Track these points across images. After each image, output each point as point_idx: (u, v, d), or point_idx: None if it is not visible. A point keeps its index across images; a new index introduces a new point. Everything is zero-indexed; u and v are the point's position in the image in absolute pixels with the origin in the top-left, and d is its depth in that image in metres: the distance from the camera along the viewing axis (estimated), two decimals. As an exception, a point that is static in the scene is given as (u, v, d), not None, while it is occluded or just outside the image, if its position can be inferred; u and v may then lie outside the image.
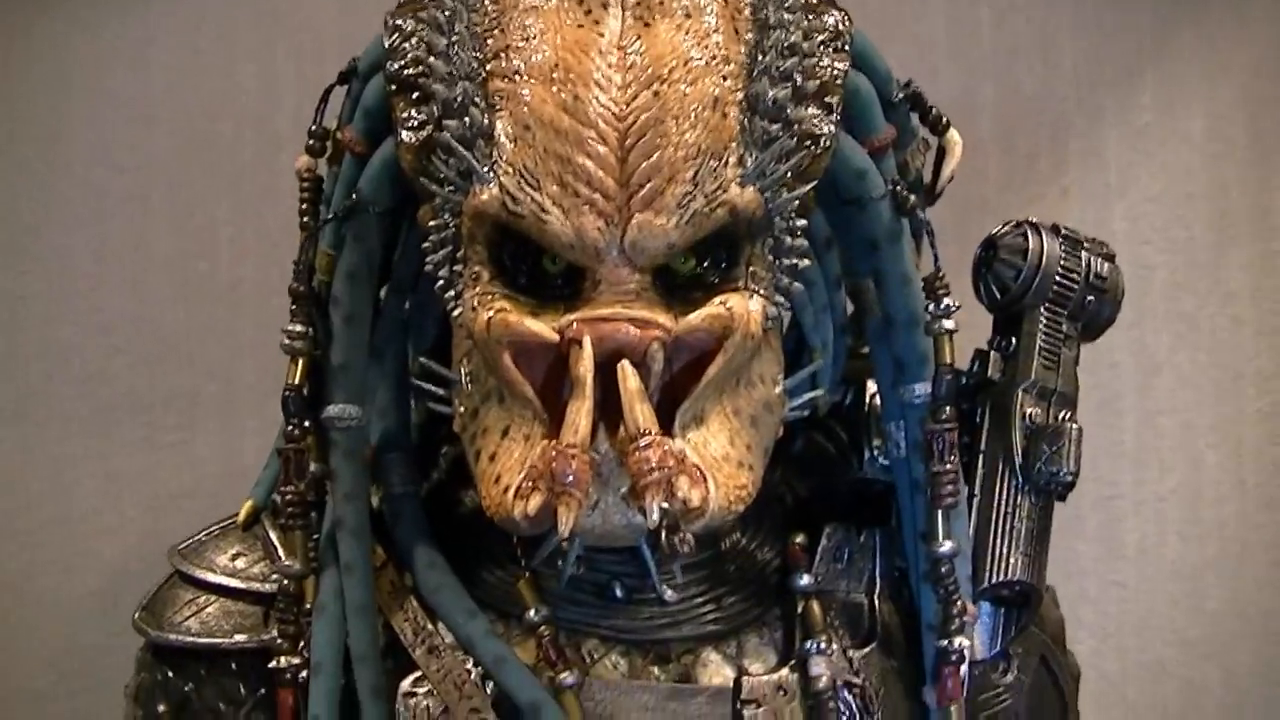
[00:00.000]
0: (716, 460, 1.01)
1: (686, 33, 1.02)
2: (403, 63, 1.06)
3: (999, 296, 1.23)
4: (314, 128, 1.16)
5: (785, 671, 1.12)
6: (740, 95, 1.02)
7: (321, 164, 1.17)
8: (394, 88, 1.06)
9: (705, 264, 1.04)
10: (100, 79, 1.89)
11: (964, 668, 1.13)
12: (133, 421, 1.88)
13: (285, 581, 1.11)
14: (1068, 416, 1.20)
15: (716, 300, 1.01)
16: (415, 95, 1.05)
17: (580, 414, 0.97)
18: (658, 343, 0.99)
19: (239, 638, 1.13)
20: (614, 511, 0.99)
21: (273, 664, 1.10)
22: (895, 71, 1.16)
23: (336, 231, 1.12)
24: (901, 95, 1.16)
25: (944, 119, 1.18)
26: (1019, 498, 1.18)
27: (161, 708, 1.13)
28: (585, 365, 0.97)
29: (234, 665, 1.13)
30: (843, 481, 1.22)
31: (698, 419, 1.02)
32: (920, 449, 1.12)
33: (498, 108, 1.01)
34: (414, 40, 1.06)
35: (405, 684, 1.09)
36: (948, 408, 1.11)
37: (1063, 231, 1.23)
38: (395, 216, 1.11)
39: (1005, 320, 1.24)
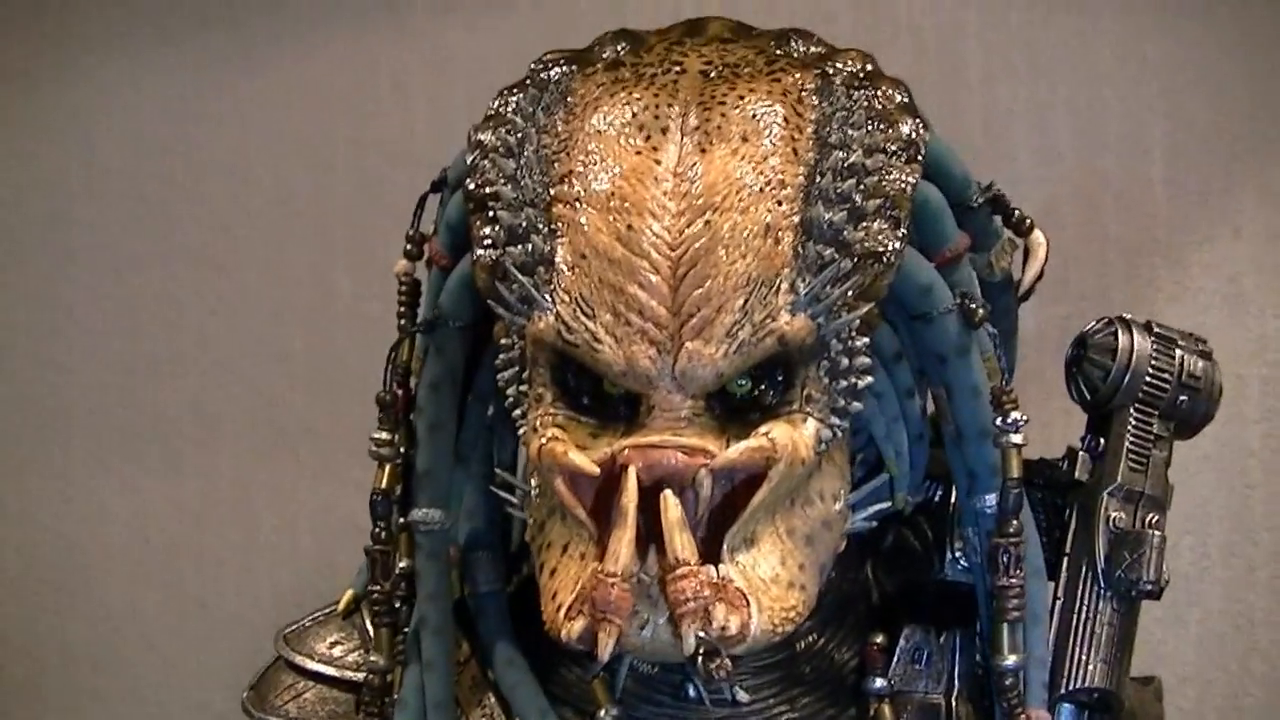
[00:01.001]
0: (764, 583, 1.02)
1: (742, 158, 1.03)
2: (478, 182, 1.09)
3: (1089, 397, 1.21)
4: (411, 232, 1.21)
5: None
6: (796, 220, 1.03)
7: (420, 268, 1.21)
8: (471, 206, 1.09)
9: (762, 387, 1.04)
10: (280, 121, 1.96)
11: None
12: (311, 455, 1.95)
13: (371, 676, 1.16)
14: (1154, 521, 1.18)
15: (762, 430, 1.02)
16: (488, 215, 1.07)
17: (621, 544, 0.99)
18: (705, 470, 1.01)
19: None
20: (663, 631, 1.01)
21: None
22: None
23: (423, 341, 1.16)
24: (981, 199, 1.14)
25: (1027, 220, 1.17)
26: (1099, 603, 1.17)
27: None
28: (629, 495, 0.99)
29: None
30: (926, 580, 1.22)
31: (748, 541, 1.03)
32: (987, 560, 1.12)
33: (559, 234, 1.04)
34: (489, 160, 1.09)
35: None
36: (1014, 521, 1.10)
37: (1155, 329, 1.21)
38: (476, 329, 1.14)
39: (1097, 419, 1.22)
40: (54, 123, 2.02)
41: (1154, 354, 1.20)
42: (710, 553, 1.02)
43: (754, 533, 1.04)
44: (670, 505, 0.99)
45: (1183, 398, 1.20)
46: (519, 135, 1.08)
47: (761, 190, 1.02)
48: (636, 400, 1.04)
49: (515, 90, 1.13)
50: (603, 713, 1.13)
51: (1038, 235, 1.18)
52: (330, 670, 1.21)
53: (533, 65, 1.13)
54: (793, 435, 1.02)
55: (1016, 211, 1.17)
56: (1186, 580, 1.88)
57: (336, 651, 1.22)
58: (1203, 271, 1.89)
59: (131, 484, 2.01)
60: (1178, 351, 1.21)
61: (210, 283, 1.99)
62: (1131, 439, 1.19)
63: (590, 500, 1.04)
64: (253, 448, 2.00)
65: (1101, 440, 1.21)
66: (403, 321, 1.19)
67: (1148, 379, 1.19)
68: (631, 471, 1.00)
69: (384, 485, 1.17)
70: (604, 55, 1.13)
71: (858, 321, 1.05)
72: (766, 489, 1.02)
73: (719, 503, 1.03)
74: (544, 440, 1.03)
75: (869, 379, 1.07)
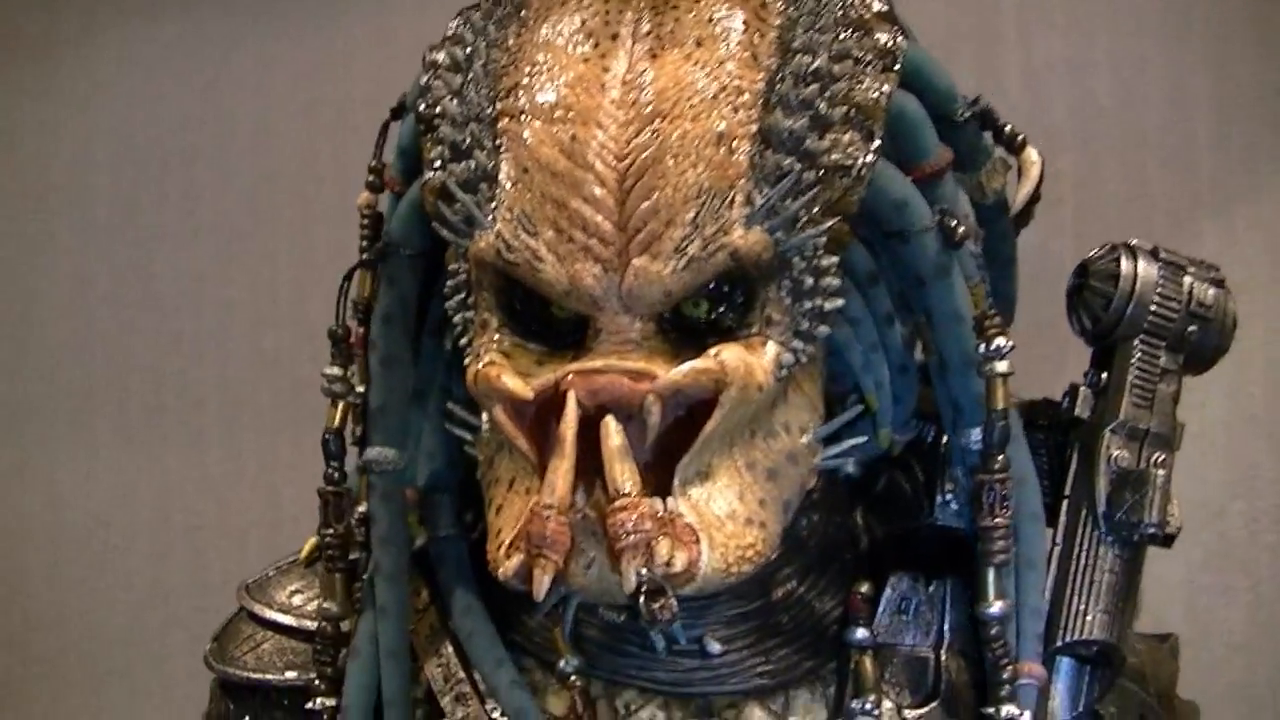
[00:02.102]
0: (718, 519, 0.93)
1: (696, 63, 0.94)
2: (429, 101, 1.02)
3: (1091, 328, 1.10)
4: (373, 163, 1.12)
5: None
6: (753, 128, 0.94)
7: (385, 200, 1.13)
8: (422, 127, 1.02)
9: (719, 307, 0.95)
10: (303, 90, 1.90)
11: None
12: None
13: (324, 624, 1.09)
14: (1160, 460, 1.07)
15: (711, 352, 0.92)
16: (436, 136, 1.00)
17: (558, 474, 0.90)
18: (653, 396, 0.91)
19: (289, 675, 1.11)
20: (605, 569, 0.92)
21: (309, 705, 1.08)
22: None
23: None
24: (968, 113, 1.04)
25: (1019, 136, 1.07)
26: (1100, 549, 1.07)
27: None
28: (567, 422, 0.91)
29: (285, 701, 1.11)
30: (917, 525, 1.11)
31: (703, 474, 0.94)
32: (970, 499, 1.02)
33: (503, 150, 0.96)
34: (439, 79, 1.01)
35: None
36: (1000, 456, 1.01)
37: (1162, 255, 1.10)
38: (429, 258, 1.06)
39: (1101, 353, 1.11)
40: (79, 92, 1.97)
41: (1160, 281, 1.09)
42: (662, 486, 0.93)
43: (709, 465, 0.95)
44: (611, 432, 0.90)
45: (1192, 328, 1.10)
46: (468, 50, 1.01)
47: (715, 97, 0.94)
48: (585, 323, 0.95)
49: (474, 8, 1.05)
50: (563, 663, 1.04)
51: (1030, 153, 1.08)
52: (288, 619, 1.13)
53: None
54: (746, 358, 0.93)
55: (1008, 127, 1.07)
56: (1236, 547, 1.76)
57: (296, 600, 1.14)
58: (1249, 228, 1.79)
59: (157, 460, 1.95)
60: (1186, 279, 1.10)
61: (234, 255, 1.92)
62: (1136, 372, 1.09)
63: (535, 433, 0.95)
64: (276, 422, 1.92)
65: (1104, 375, 1.10)
66: (365, 255, 1.10)
67: (1153, 307, 1.09)
68: (571, 397, 0.91)
69: (336, 423, 1.10)
70: None
71: (824, 239, 0.96)
72: (718, 416, 0.92)
73: (675, 434, 0.94)
74: (480, 365, 0.95)
75: (838, 301, 0.97)
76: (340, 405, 1.09)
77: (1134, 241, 1.12)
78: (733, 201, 0.92)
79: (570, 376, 0.93)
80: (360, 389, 1.10)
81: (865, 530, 1.13)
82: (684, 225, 0.91)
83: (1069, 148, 1.81)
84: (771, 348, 0.95)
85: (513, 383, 0.93)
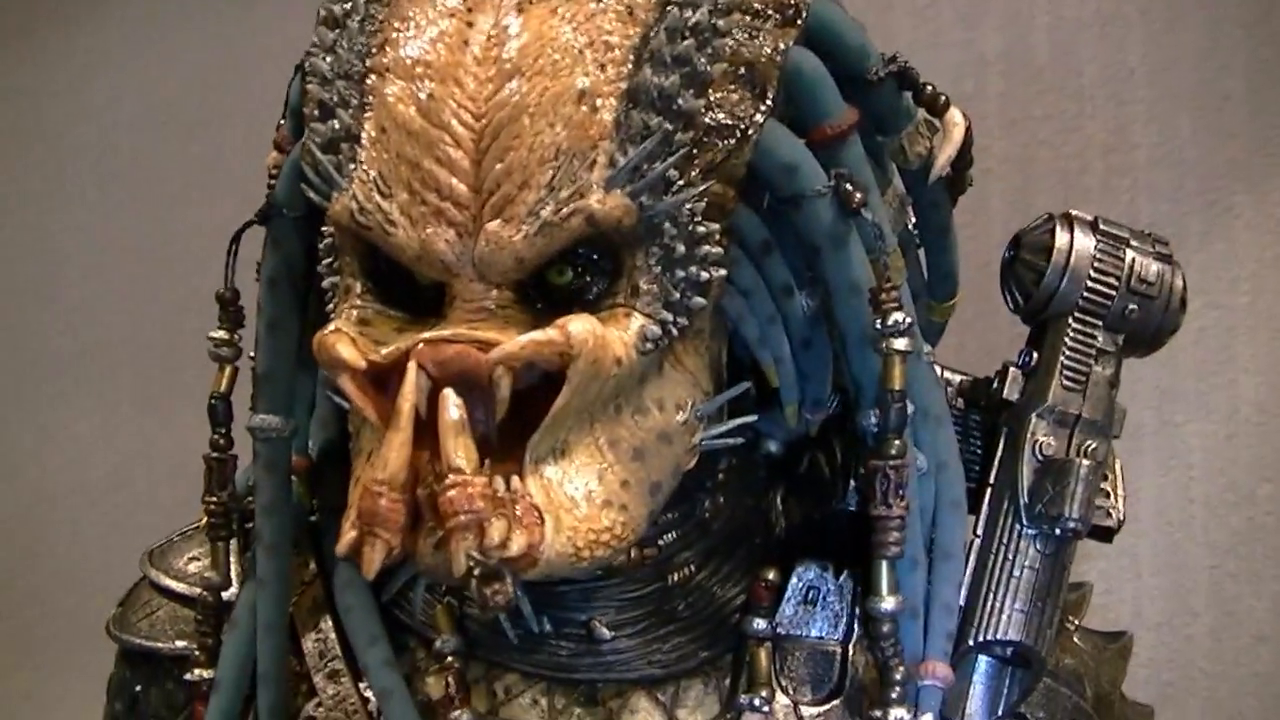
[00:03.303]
0: (570, 500, 0.86)
1: (563, 17, 0.86)
2: (309, 59, 0.95)
3: (1022, 303, 1.01)
4: (280, 121, 1.06)
5: None
6: (622, 86, 0.86)
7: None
8: (304, 86, 0.95)
9: (586, 276, 0.88)
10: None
11: None
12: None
13: (204, 593, 1.04)
14: (1090, 449, 0.98)
15: (559, 322, 0.84)
16: (310, 93, 0.93)
17: (391, 447, 0.83)
18: (503, 368, 0.84)
19: (179, 644, 1.07)
20: (439, 549, 0.85)
21: (187, 676, 1.03)
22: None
23: None
24: (884, 72, 0.95)
25: (942, 97, 0.97)
26: (1020, 543, 0.98)
27: (119, 706, 1.11)
28: (404, 394, 0.84)
29: (176, 671, 1.06)
30: (832, 511, 1.02)
31: (558, 452, 0.87)
32: (863, 485, 0.93)
33: (367, 108, 0.88)
34: (318, 34, 0.94)
35: (308, 707, 1.00)
36: (896, 441, 0.92)
37: (1102, 225, 1.00)
38: (315, 221, 0.99)
39: (1035, 331, 1.02)
40: (101, 51, 1.92)
41: (1097, 254, 0.99)
42: (518, 466, 0.85)
43: (566, 443, 0.87)
44: (448, 405, 0.83)
45: (1131, 306, 1.00)
46: (347, 4, 0.93)
47: (581, 52, 0.85)
48: (444, 290, 0.88)
49: None
50: (439, 642, 0.98)
51: (954, 114, 0.98)
52: (181, 587, 1.08)
53: None
54: (597, 329, 0.85)
55: (929, 87, 0.97)
56: (1264, 532, 1.67)
57: (191, 568, 1.09)
58: (1286, 197, 1.65)
59: (175, 418, 1.91)
60: (1128, 252, 1.00)
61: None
62: (1068, 353, 0.99)
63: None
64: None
65: (1036, 354, 1.00)
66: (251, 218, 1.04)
67: (1089, 283, 0.99)
68: (411, 367, 0.84)
69: (223, 388, 1.04)
70: None
71: (702, 204, 0.87)
72: (566, 391, 0.85)
73: (536, 411, 0.86)
74: (323, 332, 0.88)
75: (720, 271, 0.89)
76: (228, 370, 1.04)
77: (1074, 211, 1.02)
78: (593, 164, 0.84)
79: (419, 346, 0.85)
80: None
81: (784, 514, 1.05)
82: (539, 188, 0.84)
83: (1098, 110, 1.69)
84: (637, 319, 0.87)
85: (347, 351, 0.86)
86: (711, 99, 0.87)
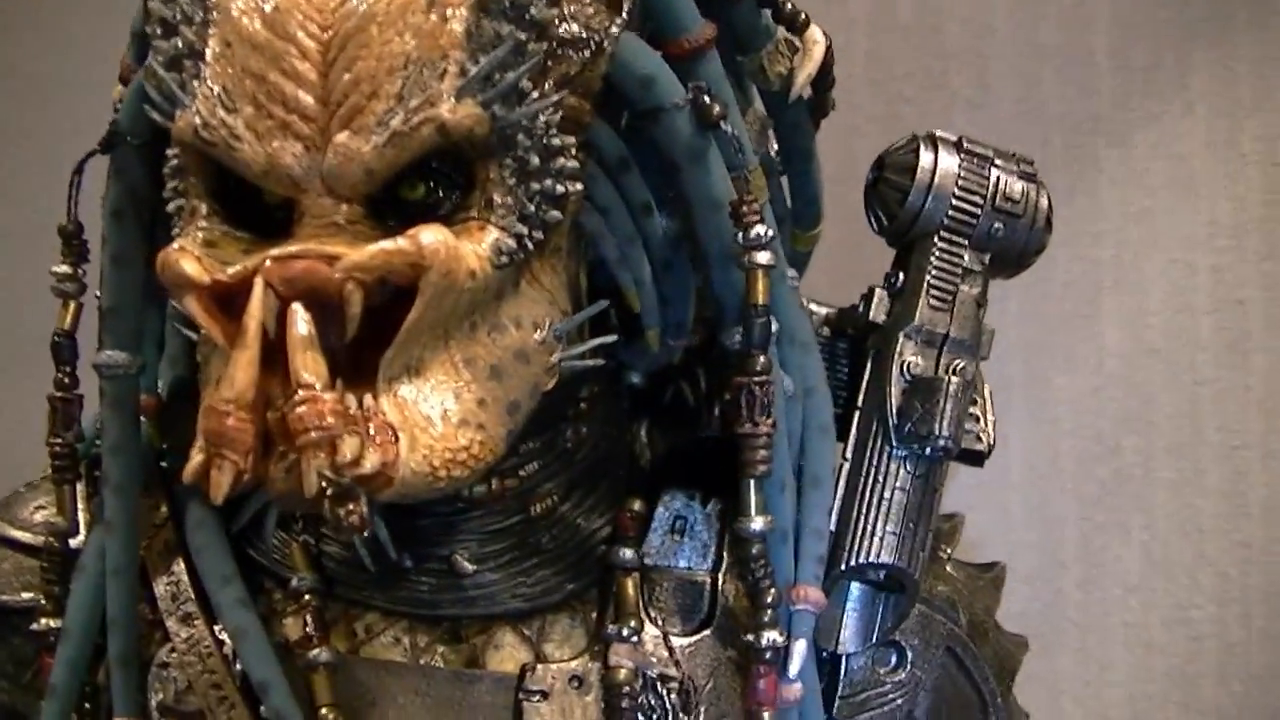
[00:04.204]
0: (425, 418, 0.82)
1: None
2: None
3: (887, 224, 0.99)
4: (125, 59, 1.01)
5: (585, 660, 0.93)
6: None
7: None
8: (148, 5, 0.90)
9: (439, 190, 0.84)
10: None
11: (792, 665, 0.91)
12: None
13: (49, 539, 0.99)
14: (959, 368, 0.96)
15: (410, 232, 0.81)
16: (152, 14, 0.88)
17: (238, 366, 0.79)
18: (353, 283, 0.80)
19: (25, 596, 1.01)
20: (292, 470, 0.80)
21: (33, 626, 0.98)
22: None
23: None
24: None
25: (801, 15, 0.94)
26: (890, 464, 0.96)
27: None
28: (251, 311, 0.79)
29: (23, 625, 1.00)
30: (698, 438, 1.00)
31: (412, 369, 0.83)
32: (728, 404, 0.90)
33: (212, 25, 0.84)
34: None
35: (161, 653, 0.95)
36: (761, 358, 0.89)
37: (966, 145, 0.98)
38: (161, 148, 0.94)
39: (900, 252, 1.00)
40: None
41: (962, 173, 0.98)
42: (371, 384, 0.81)
43: (421, 360, 0.83)
44: (296, 320, 0.79)
45: (996, 225, 0.98)
46: None
47: None
48: (293, 208, 0.84)
49: None
50: (295, 580, 0.94)
51: (813, 32, 0.95)
52: (26, 537, 1.02)
53: None
54: (450, 241, 0.81)
55: (788, 5, 0.94)
56: (1131, 484, 1.65)
57: (37, 517, 1.03)
58: (1149, 151, 1.67)
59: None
60: (992, 170, 0.98)
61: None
62: (934, 272, 0.97)
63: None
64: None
65: (902, 275, 0.97)
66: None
67: (954, 202, 0.97)
68: (258, 283, 0.80)
69: (67, 325, 0.98)
70: None
71: (558, 117, 0.84)
72: (419, 305, 0.81)
73: (389, 328, 0.82)
74: (166, 250, 0.83)
75: (575, 185, 0.86)
76: (71, 306, 0.98)
77: (939, 132, 0.99)
78: (444, 73, 0.81)
79: (267, 263, 0.81)
80: None
81: (648, 445, 1.02)
82: (387, 98, 0.80)
83: (963, 66, 1.68)
84: (491, 233, 0.84)
85: (192, 267, 0.82)
86: (565, 10, 0.84)
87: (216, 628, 0.94)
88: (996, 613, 1.06)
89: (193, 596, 0.95)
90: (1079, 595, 1.67)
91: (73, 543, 0.99)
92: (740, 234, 0.88)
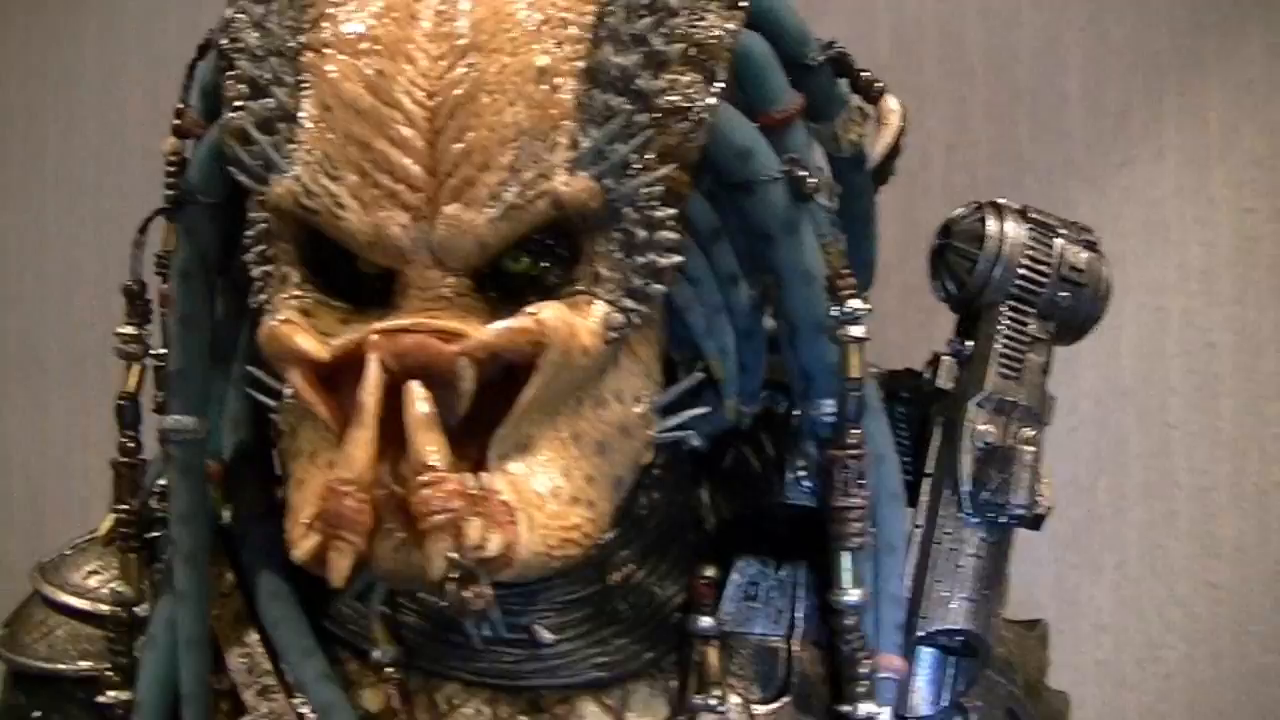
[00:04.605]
0: (539, 496, 0.82)
1: None
2: (230, 35, 0.89)
3: (954, 291, 1.00)
4: (180, 106, 0.99)
5: None
6: (580, 64, 0.82)
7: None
8: (223, 63, 0.89)
9: (543, 263, 0.83)
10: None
11: None
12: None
13: (117, 609, 0.96)
14: (1029, 436, 0.97)
15: (529, 310, 0.80)
16: (236, 72, 0.87)
17: (357, 445, 0.78)
18: (465, 359, 0.79)
19: (83, 664, 0.99)
20: (412, 551, 0.80)
21: (100, 698, 0.96)
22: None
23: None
24: (821, 58, 0.92)
25: (877, 84, 0.95)
26: (964, 531, 0.97)
27: None
28: (368, 388, 0.79)
29: (80, 694, 0.98)
30: (766, 505, 1.00)
31: (521, 447, 0.83)
32: (822, 476, 0.91)
33: (305, 86, 0.83)
34: (241, 10, 0.89)
35: None
36: (855, 430, 0.89)
37: (1031, 214, 1.00)
38: (231, 208, 0.92)
39: (965, 319, 1.00)
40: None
41: (1029, 242, 0.99)
42: (477, 460, 0.81)
43: (530, 437, 0.83)
44: (415, 399, 0.78)
45: (1063, 293, 0.99)
46: None
47: (538, 29, 0.82)
48: (394, 279, 0.83)
49: None
50: (377, 653, 0.92)
51: (889, 101, 0.96)
52: (83, 604, 1.00)
53: None
54: (568, 317, 0.81)
55: (864, 74, 0.95)
56: (1103, 524, 1.67)
57: (92, 583, 1.01)
58: (1122, 195, 1.70)
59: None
60: (1057, 240, 0.99)
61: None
62: (1003, 340, 0.98)
63: (342, 399, 0.83)
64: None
65: (969, 343, 0.99)
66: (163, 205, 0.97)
67: (1021, 271, 0.98)
68: (373, 360, 0.79)
69: (132, 387, 0.97)
70: None
71: (661, 189, 0.84)
72: (537, 382, 0.81)
73: (493, 402, 0.82)
74: (274, 322, 0.82)
75: (676, 258, 0.86)
76: (136, 368, 0.96)
77: (1001, 200, 1.01)
78: (555, 144, 0.81)
79: (374, 337, 0.80)
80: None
81: (711, 510, 1.02)
82: (501, 169, 0.80)
83: (939, 107, 1.70)
84: (600, 307, 0.83)
85: (307, 342, 0.81)
86: (667, 80, 0.84)
87: (296, 700, 0.93)
88: (1047, 671, 1.07)
89: (270, 669, 0.94)
90: (1054, 634, 1.69)
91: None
92: (836, 307, 0.89)
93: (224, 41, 0.88)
